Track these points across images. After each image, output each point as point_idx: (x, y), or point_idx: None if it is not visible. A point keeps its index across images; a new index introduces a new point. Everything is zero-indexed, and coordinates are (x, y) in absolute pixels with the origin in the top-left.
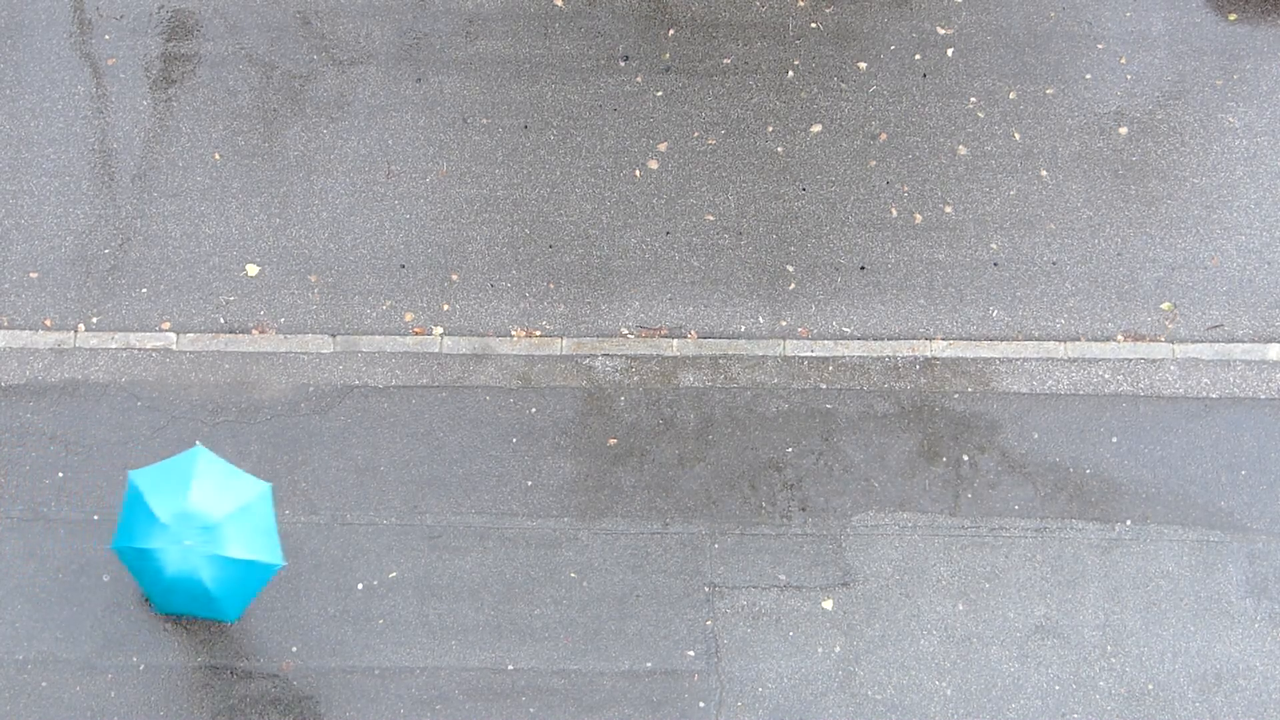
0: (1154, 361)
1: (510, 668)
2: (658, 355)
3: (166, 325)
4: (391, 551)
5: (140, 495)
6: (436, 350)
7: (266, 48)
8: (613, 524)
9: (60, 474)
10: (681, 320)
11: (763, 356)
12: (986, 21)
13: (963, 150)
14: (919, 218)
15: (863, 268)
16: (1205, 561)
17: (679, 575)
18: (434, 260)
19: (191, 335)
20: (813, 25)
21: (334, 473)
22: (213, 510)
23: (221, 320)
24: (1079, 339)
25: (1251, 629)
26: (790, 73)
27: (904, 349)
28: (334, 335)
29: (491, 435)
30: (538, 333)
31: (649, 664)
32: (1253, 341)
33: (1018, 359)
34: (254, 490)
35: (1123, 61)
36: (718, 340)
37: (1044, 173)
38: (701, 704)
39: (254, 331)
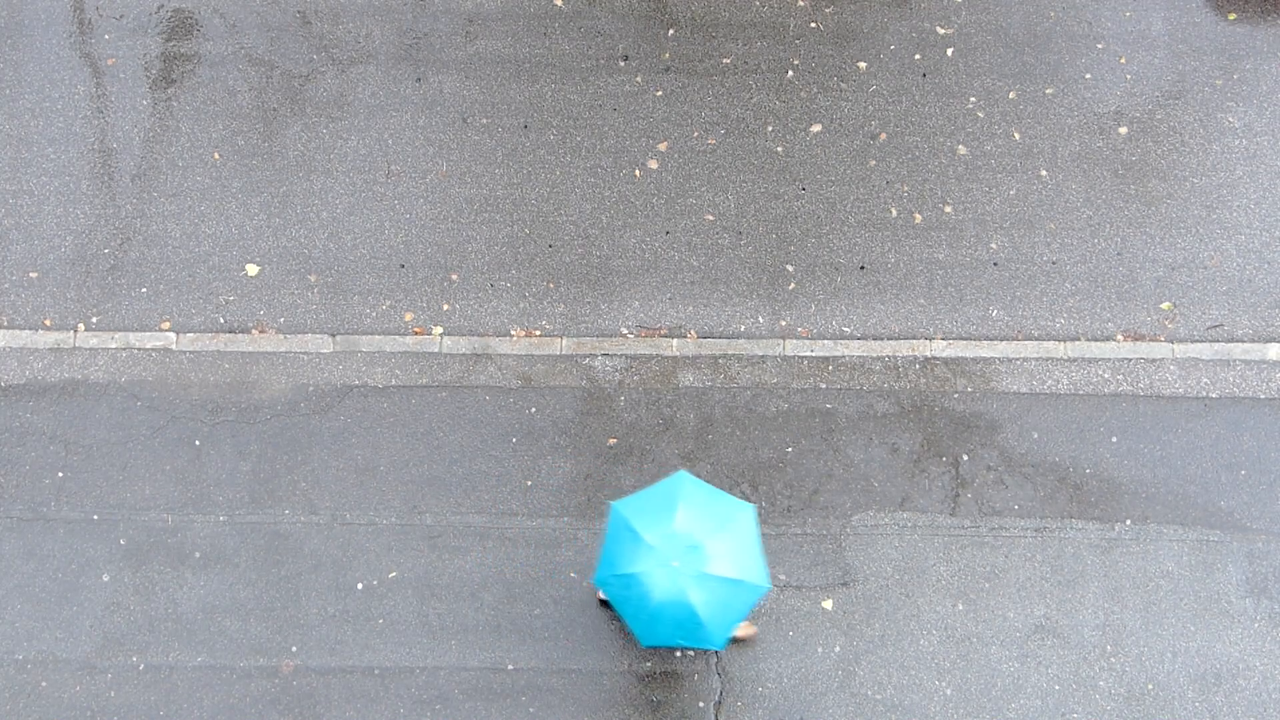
0: (1154, 361)
1: (510, 668)
2: (658, 355)
3: (166, 325)
4: (391, 551)
5: (625, 521)
6: (436, 350)
7: (266, 48)
8: None
9: (60, 474)
10: (681, 320)
11: (763, 356)
12: (986, 21)
13: (963, 150)
14: (919, 218)
15: (863, 268)
16: (1205, 561)
17: None
18: (434, 260)
19: (191, 335)
20: (813, 25)
21: (334, 473)
22: (698, 531)
23: (221, 320)
24: (1079, 339)
25: (1251, 629)
26: (790, 73)
27: (904, 349)
28: (334, 335)
29: (491, 435)
30: (537, 333)
31: (649, 664)
32: (1253, 341)
33: (1018, 359)
34: (738, 511)
35: (1123, 61)
36: (718, 340)
37: (1044, 173)
38: (701, 704)
39: (254, 331)
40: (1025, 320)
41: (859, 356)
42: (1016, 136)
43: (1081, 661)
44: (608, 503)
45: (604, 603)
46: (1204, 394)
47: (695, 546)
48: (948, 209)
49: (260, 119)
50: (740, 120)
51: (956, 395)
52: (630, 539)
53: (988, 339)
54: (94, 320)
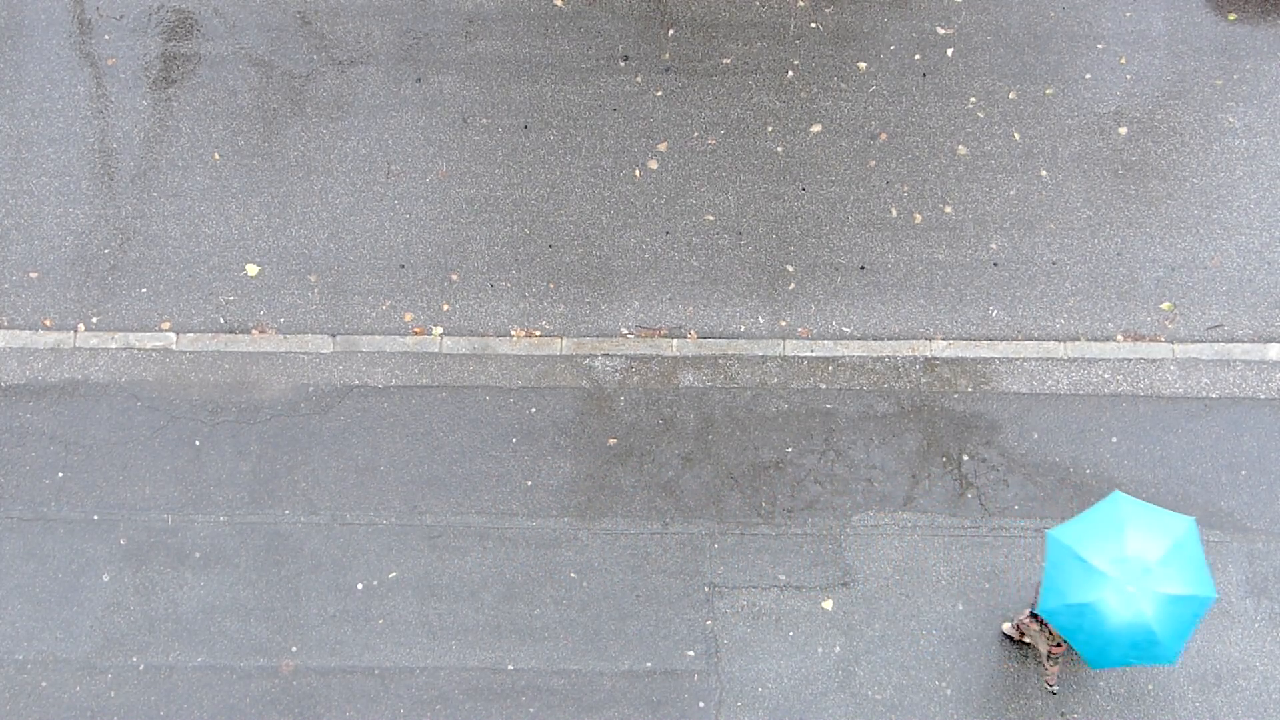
0: (1154, 361)
1: (510, 668)
2: (658, 355)
3: (166, 325)
4: (391, 551)
5: (1069, 550)
6: (436, 350)
7: (266, 48)
8: (613, 524)
9: (60, 474)
10: (681, 320)
11: (763, 356)
12: (986, 21)
13: (963, 150)
14: (919, 218)
15: (863, 268)
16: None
17: (679, 575)
18: (434, 260)
19: (191, 335)
20: (813, 25)
21: (334, 473)
22: (1149, 552)
23: (221, 320)
24: (1079, 339)
25: (1251, 629)
26: (790, 73)
27: (904, 349)
28: (334, 335)
29: (491, 435)
30: (538, 333)
31: (649, 664)
32: (1253, 341)
33: (1018, 359)
34: (1181, 526)
35: (1123, 61)
36: (718, 340)
37: (1044, 173)
38: (701, 704)
39: (254, 331)
40: (1025, 320)
41: (859, 357)
42: (1016, 137)
43: (1081, 661)
44: (1045, 533)
45: (1007, 637)
46: (1204, 394)
47: (1148, 569)
48: (948, 209)
49: (260, 119)
50: (740, 120)
51: (957, 395)
52: (1079, 568)
53: (988, 339)
54: (94, 320)
